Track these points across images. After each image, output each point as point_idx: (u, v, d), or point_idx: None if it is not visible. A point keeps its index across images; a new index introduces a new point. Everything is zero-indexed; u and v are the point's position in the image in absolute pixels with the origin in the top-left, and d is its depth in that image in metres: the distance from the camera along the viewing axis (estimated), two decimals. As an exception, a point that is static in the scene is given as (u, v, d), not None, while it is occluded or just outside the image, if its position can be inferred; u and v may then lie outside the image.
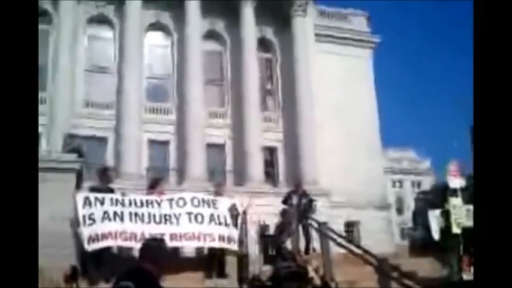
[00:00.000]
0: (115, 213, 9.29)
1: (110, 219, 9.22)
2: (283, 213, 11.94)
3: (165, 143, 26.86)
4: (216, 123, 27.74)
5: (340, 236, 10.67)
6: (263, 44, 29.75)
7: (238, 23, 28.31)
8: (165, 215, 9.65)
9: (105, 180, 10.35)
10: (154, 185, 10.89)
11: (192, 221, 9.77)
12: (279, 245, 10.31)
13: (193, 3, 27.45)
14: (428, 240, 16.53)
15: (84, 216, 9.12)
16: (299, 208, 12.91)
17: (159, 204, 9.74)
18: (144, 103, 26.74)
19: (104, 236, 9.09)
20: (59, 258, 8.40)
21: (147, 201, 9.75)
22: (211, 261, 10.17)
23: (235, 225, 10.13)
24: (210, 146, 26.31)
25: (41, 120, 21.25)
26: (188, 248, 12.23)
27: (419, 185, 72.73)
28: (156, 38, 28.77)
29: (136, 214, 9.44)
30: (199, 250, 12.07)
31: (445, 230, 14.19)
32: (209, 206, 10.05)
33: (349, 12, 33.37)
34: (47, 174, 8.55)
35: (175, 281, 7.65)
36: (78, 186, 10.45)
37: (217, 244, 9.91)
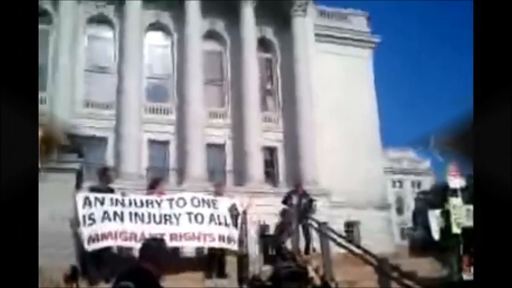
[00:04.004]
0: (115, 213, 9.28)
1: (110, 219, 9.21)
2: (283, 213, 11.96)
3: (165, 143, 26.87)
4: (216, 123, 27.75)
5: (340, 236, 10.64)
6: (263, 44, 29.76)
7: (238, 23, 28.32)
8: (165, 215, 9.64)
9: (105, 180, 10.34)
10: (154, 185, 10.88)
11: (192, 221, 9.76)
12: (279, 245, 10.33)
13: (193, 3, 27.45)
14: (428, 240, 16.50)
15: (84, 216, 9.12)
16: (299, 208, 12.88)
17: (159, 204, 9.73)
18: (144, 103, 26.76)
19: (104, 236, 9.09)
20: (59, 258, 8.38)
21: (147, 201, 9.74)
22: (211, 261, 10.16)
23: (235, 225, 10.12)
24: (210, 146, 26.33)
25: (41, 120, 21.21)
26: (188, 248, 12.23)
27: (419, 185, 72.64)
28: (156, 38, 28.79)
29: (136, 214, 9.43)
30: (199, 250, 12.08)
31: (445, 230, 14.17)
32: (209, 206, 10.04)
33: (349, 12, 33.39)
34: (47, 174, 8.53)
35: (175, 281, 7.65)
36: (78, 186, 10.44)
37: (217, 244, 9.89)
